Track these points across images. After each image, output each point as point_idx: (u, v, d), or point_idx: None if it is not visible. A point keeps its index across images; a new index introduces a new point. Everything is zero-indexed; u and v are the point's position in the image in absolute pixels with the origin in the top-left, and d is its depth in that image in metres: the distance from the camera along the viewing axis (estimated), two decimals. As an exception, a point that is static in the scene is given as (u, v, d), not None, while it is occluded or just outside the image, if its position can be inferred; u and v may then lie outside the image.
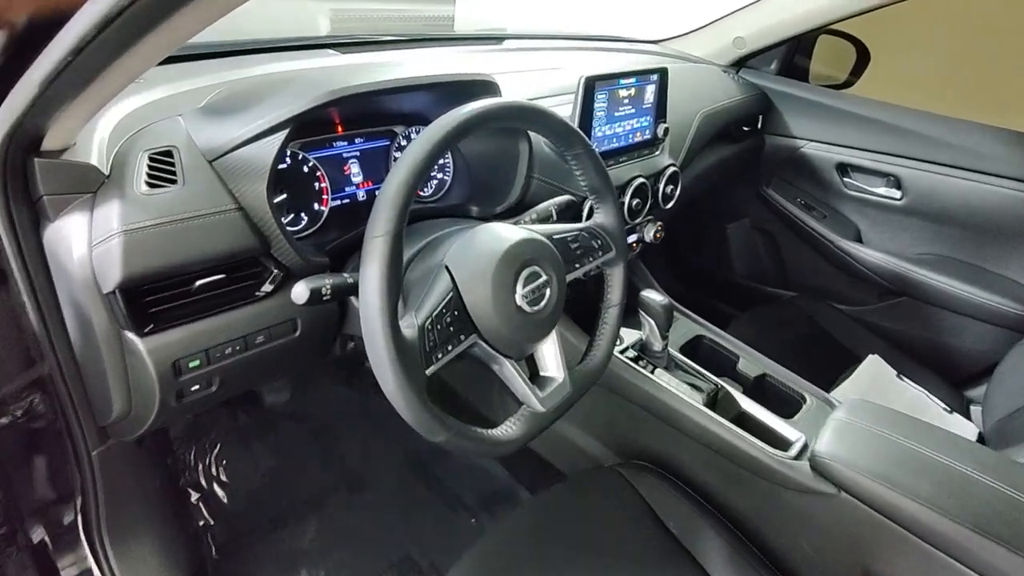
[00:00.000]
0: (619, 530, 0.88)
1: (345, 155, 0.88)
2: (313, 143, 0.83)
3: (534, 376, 0.76)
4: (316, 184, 0.84)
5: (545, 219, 0.89)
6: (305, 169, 0.82)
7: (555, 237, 0.76)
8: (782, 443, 0.95)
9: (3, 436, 0.77)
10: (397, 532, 1.19)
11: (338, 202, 0.87)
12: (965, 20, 1.87)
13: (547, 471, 1.17)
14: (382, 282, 0.56)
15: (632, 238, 1.18)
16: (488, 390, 1.27)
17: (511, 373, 0.71)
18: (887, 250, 1.53)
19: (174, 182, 0.63)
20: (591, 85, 0.95)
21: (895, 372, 1.39)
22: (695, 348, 1.16)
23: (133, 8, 0.38)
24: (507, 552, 0.82)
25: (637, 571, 0.81)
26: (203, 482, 1.14)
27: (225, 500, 1.15)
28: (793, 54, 1.64)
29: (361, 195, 0.90)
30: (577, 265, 0.77)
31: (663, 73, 1.09)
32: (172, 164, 0.64)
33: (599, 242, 0.80)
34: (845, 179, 1.56)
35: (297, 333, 0.74)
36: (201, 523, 1.09)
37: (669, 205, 1.19)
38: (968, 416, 1.35)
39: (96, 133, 0.65)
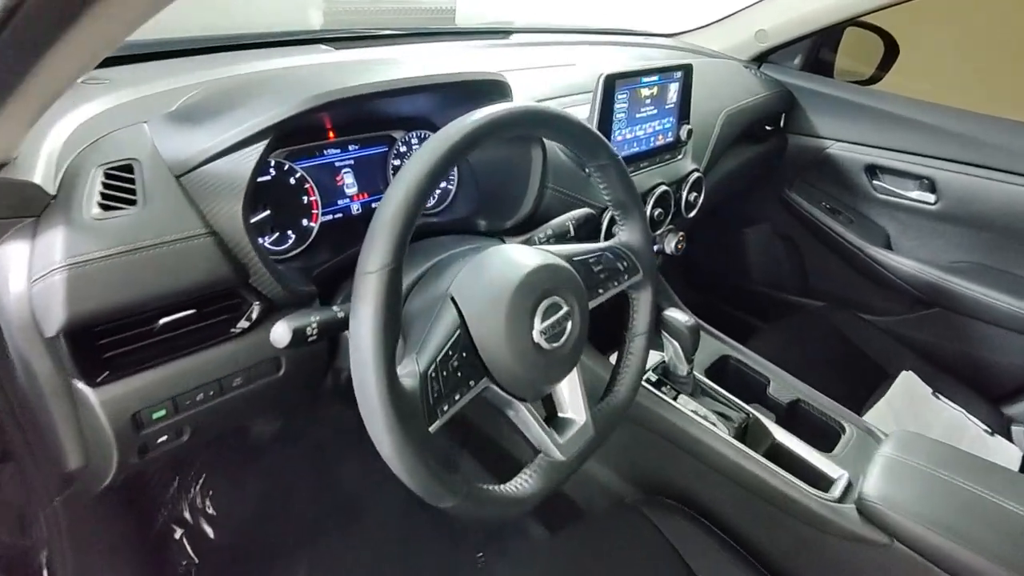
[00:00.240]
0: (642, 575, 0.79)
1: (337, 164, 0.78)
2: (301, 151, 0.74)
3: (551, 417, 0.67)
4: (304, 198, 0.74)
5: (561, 235, 0.79)
6: (292, 181, 0.73)
7: (575, 259, 0.66)
8: (823, 481, 0.86)
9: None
10: (395, 569, 1.10)
11: (330, 217, 0.77)
12: (1003, 8, 1.77)
13: (560, 504, 1.08)
14: (376, 326, 0.46)
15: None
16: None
17: (526, 417, 0.62)
18: (919, 258, 1.43)
19: (133, 202, 0.53)
20: (611, 84, 0.86)
21: (930, 390, 1.30)
22: (721, 370, 1.07)
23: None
24: None
25: None
26: (187, 516, 1.05)
27: (212, 535, 1.06)
28: (819, 48, 1.54)
29: (356, 208, 0.80)
30: (601, 290, 0.68)
31: (687, 70, 0.99)
32: (132, 181, 0.54)
33: (625, 263, 0.71)
34: (875, 182, 1.46)
35: (281, 372, 0.65)
36: (185, 563, 1.00)
37: (692, 214, 1.10)
38: (1009, 437, 1.26)
39: (44, 145, 0.56)
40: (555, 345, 0.59)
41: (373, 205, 0.82)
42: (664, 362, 0.99)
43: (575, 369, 0.65)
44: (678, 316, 0.92)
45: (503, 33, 1.29)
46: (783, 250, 1.67)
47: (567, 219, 0.80)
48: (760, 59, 1.53)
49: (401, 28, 1.12)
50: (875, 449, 0.88)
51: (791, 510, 0.83)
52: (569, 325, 0.60)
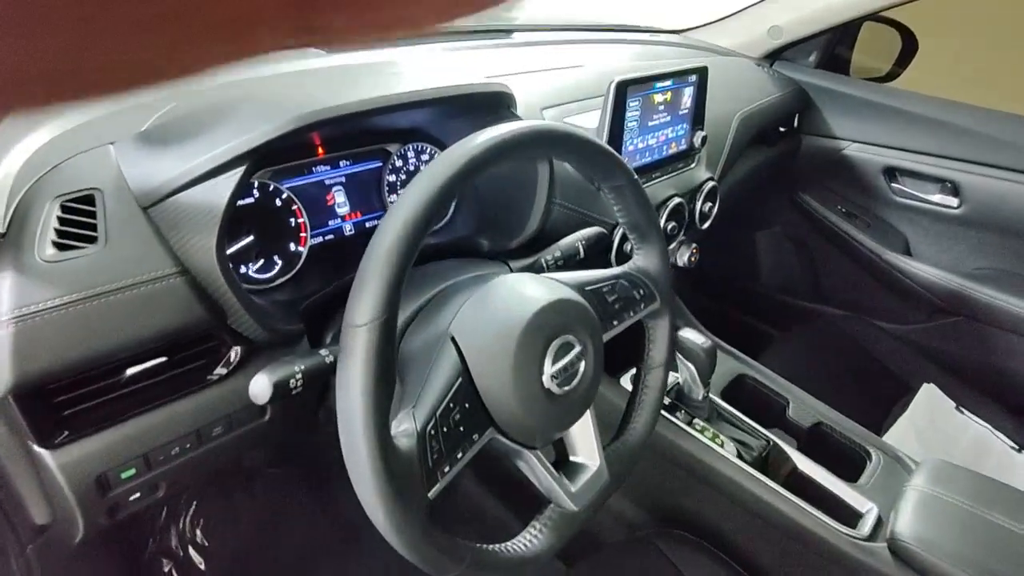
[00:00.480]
0: None
1: (328, 182, 0.72)
2: (287, 170, 0.68)
3: (561, 461, 0.62)
4: (291, 220, 0.68)
5: (571, 257, 0.73)
6: (277, 202, 0.67)
7: (588, 289, 0.61)
8: (850, 516, 0.80)
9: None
10: (398, 600, 1.05)
11: (320, 240, 0.72)
12: None
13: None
14: (365, 387, 0.41)
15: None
16: None
17: (534, 465, 0.56)
18: (940, 264, 1.37)
19: (93, 240, 0.47)
20: (623, 91, 0.79)
21: (953, 404, 1.25)
22: (737, 390, 1.01)
23: None
24: None
25: None
26: (177, 548, 1.00)
27: (203, 567, 1.01)
28: (835, 44, 1.47)
29: (348, 229, 0.75)
30: (615, 322, 0.62)
31: (702, 74, 0.93)
32: (92, 215, 0.48)
33: (641, 291, 0.65)
34: (893, 184, 1.40)
35: (266, 417, 0.59)
36: (174, 599, 0.95)
37: (706, 225, 1.04)
38: (1037, 454, 1.21)
39: (-5, 173, 0.50)
40: (567, 389, 0.53)
41: (367, 224, 0.76)
42: (679, 385, 0.93)
43: (589, 412, 0.59)
44: (694, 338, 0.87)
45: (504, 31, 1.23)
46: (795, 254, 1.60)
47: (577, 239, 0.74)
48: (772, 56, 1.46)
49: (397, 28, 1.05)
50: (904, 479, 0.83)
51: (817, 548, 0.78)
52: (582, 366, 0.55)
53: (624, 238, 0.84)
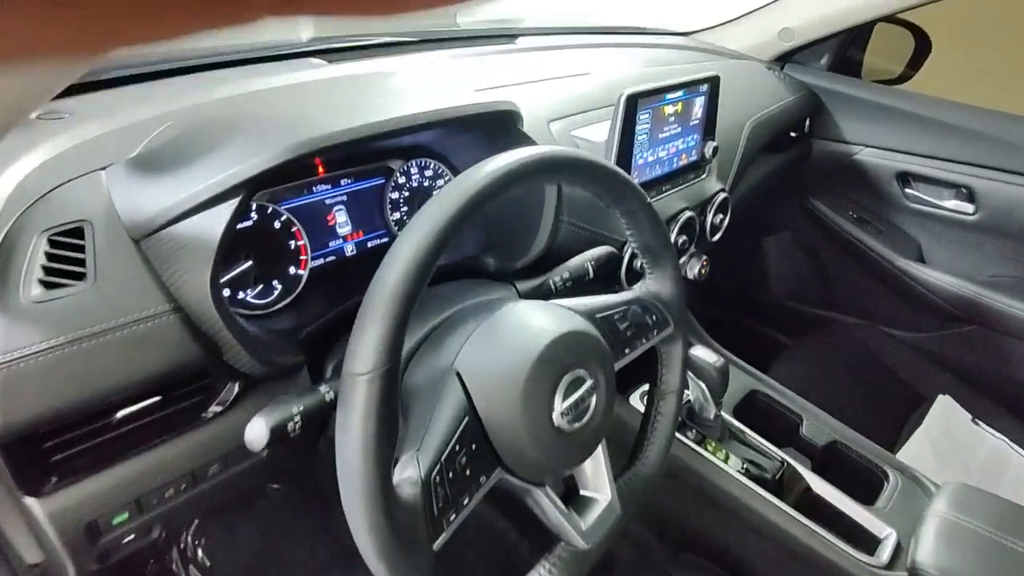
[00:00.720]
0: None
1: (328, 202, 0.70)
2: (286, 190, 0.65)
3: (570, 495, 0.59)
4: (291, 242, 0.66)
5: (580, 278, 0.71)
6: (276, 224, 0.65)
7: (599, 316, 0.58)
8: (867, 541, 0.78)
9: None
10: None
11: (320, 261, 0.69)
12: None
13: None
14: (365, 440, 0.39)
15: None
16: None
17: (543, 502, 0.54)
18: (954, 271, 1.34)
19: (82, 276, 0.45)
20: (633, 104, 0.77)
21: (969, 416, 1.22)
22: (749, 407, 0.99)
23: None
24: None
25: None
26: (178, 568, 0.98)
27: (204, 587, 0.99)
28: (847, 46, 1.44)
29: (350, 249, 0.72)
30: (627, 350, 0.60)
31: (714, 83, 0.90)
32: (81, 249, 0.46)
33: (654, 316, 0.62)
34: (907, 190, 1.36)
35: (264, 454, 0.57)
36: (175, 622, 0.94)
37: (716, 237, 1.01)
38: (1055, 467, 1.18)
39: (-20, 204, 0.48)
40: (578, 426, 0.51)
41: (369, 244, 0.74)
42: (690, 403, 0.91)
43: (601, 446, 0.57)
44: (706, 356, 0.84)
45: (509, 36, 1.20)
46: (804, 261, 1.58)
47: (586, 259, 0.72)
48: (783, 59, 1.43)
49: (399, 35, 1.02)
50: (924, 502, 0.81)
51: (833, 574, 0.76)
52: (594, 401, 0.52)
53: (634, 255, 0.81)
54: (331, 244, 0.70)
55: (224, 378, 0.52)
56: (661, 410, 0.66)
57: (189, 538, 1.01)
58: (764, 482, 0.83)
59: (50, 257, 0.45)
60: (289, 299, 0.66)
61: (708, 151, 0.94)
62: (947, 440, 1.17)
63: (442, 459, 0.44)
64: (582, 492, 0.59)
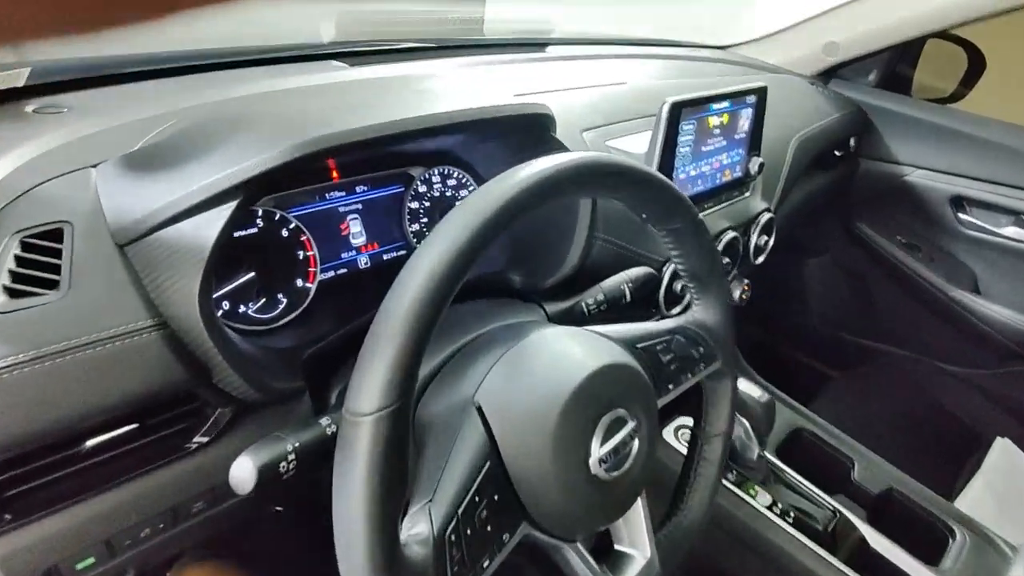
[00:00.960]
0: None
1: (342, 209, 0.64)
2: (296, 196, 0.60)
3: (603, 550, 0.52)
4: (300, 253, 0.60)
5: (615, 301, 0.64)
6: (284, 233, 0.59)
7: (640, 347, 0.51)
8: (935, 608, 0.69)
9: None
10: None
11: (331, 274, 0.63)
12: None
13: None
14: (367, 491, 0.32)
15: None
16: None
17: (573, 560, 0.47)
18: (1012, 304, 1.24)
19: (54, 284, 0.40)
20: (677, 113, 0.70)
21: (1033, 462, 1.11)
22: (794, 446, 0.90)
23: None
24: None
25: None
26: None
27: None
28: (896, 62, 1.36)
29: (363, 262, 0.66)
30: (671, 386, 0.52)
31: (762, 94, 0.83)
32: (58, 253, 0.41)
33: (701, 349, 0.55)
34: (961, 215, 1.27)
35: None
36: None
37: (760, 259, 0.94)
38: None
39: (-44, 201, 0.43)
40: (616, 474, 0.44)
41: (385, 257, 0.68)
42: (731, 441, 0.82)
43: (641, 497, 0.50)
44: (750, 390, 0.76)
45: (538, 45, 1.15)
46: (848, 286, 1.48)
47: (622, 281, 0.65)
48: (827, 75, 1.35)
49: (424, 40, 0.98)
50: (999, 567, 0.71)
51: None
52: (635, 445, 0.45)
53: (675, 275, 0.74)
54: (343, 256, 0.64)
55: (213, 404, 0.45)
56: (706, 455, 0.58)
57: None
58: (815, 533, 0.75)
59: (20, 262, 0.39)
60: (294, 315, 0.60)
61: (754, 167, 0.87)
62: (1008, 487, 1.06)
63: (459, 512, 0.37)
64: (617, 547, 0.52)
